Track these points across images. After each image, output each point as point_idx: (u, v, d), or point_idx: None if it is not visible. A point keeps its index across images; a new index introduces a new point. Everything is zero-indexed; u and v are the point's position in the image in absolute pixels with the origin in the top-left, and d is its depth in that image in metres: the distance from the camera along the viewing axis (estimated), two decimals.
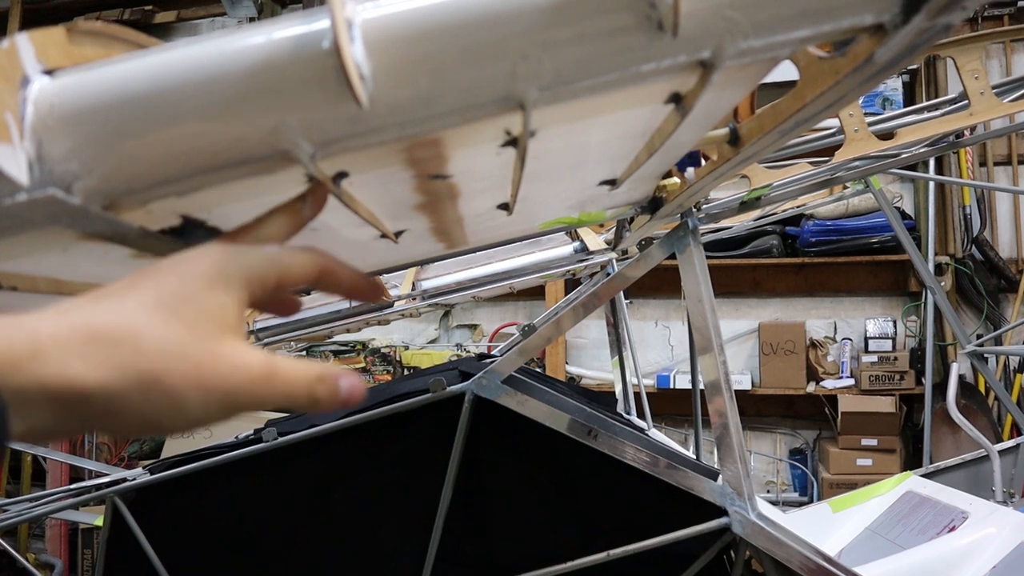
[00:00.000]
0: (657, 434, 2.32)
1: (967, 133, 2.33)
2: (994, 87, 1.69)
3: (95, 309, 0.38)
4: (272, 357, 0.42)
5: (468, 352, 4.68)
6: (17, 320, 0.36)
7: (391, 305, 1.88)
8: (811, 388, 4.19)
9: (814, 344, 4.32)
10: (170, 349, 0.38)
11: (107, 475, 1.77)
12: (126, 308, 0.39)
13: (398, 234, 0.82)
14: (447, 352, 4.74)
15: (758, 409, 4.38)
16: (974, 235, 4.13)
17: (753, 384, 4.29)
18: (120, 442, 5.02)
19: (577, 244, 2.02)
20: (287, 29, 0.39)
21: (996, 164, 4.21)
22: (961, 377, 3.74)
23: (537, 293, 4.38)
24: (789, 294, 4.44)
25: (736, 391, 1.28)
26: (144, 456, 4.83)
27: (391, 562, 1.42)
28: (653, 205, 1.14)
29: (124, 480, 1.50)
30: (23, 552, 4.32)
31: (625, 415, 2.27)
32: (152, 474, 1.49)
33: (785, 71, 0.52)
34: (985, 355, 3.33)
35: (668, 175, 1.06)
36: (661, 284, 4.14)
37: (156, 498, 1.47)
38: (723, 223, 3.11)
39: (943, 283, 4.03)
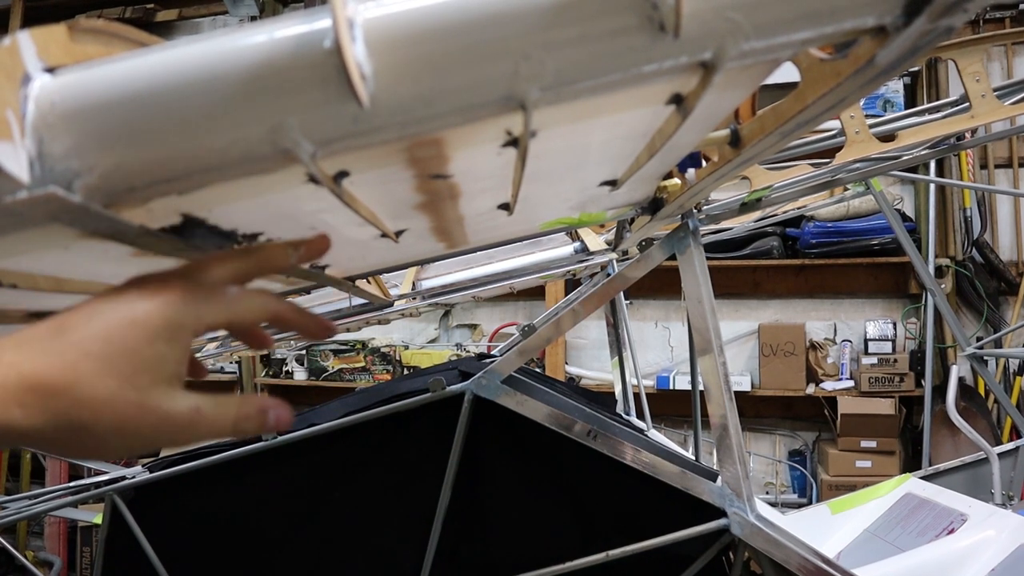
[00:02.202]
0: (657, 435, 2.32)
1: (968, 135, 2.33)
2: (995, 89, 1.69)
3: (40, 357, 0.43)
4: (200, 407, 0.46)
5: (468, 352, 4.68)
6: None
7: (391, 305, 1.88)
8: (811, 390, 4.19)
9: (814, 346, 4.32)
10: (100, 401, 0.43)
11: (106, 473, 1.77)
12: (69, 356, 0.43)
13: (398, 233, 0.82)
14: (447, 352, 4.74)
15: (757, 410, 4.38)
16: (974, 237, 4.13)
17: (752, 385, 4.29)
18: None
19: (577, 244, 2.02)
20: (288, 28, 0.39)
21: (997, 167, 4.21)
22: (961, 379, 3.74)
23: (537, 293, 4.38)
24: (789, 296, 4.44)
25: (735, 392, 1.28)
26: (144, 455, 4.83)
27: (390, 561, 1.42)
28: (654, 206, 1.14)
29: (123, 478, 1.50)
30: (22, 550, 4.32)
31: (625, 416, 2.27)
32: (151, 472, 1.49)
33: (786, 73, 0.52)
34: (985, 358, 3.33)
35: (669, 176, 1.06)
36: (661, 285, 4.14)
37: (155, 496, 1.47)
38: (724, 224, 3.10)
39: (943, 285, 4.03)
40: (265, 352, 4.75)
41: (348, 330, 3.00)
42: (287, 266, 0.52)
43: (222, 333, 1.78)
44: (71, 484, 1.94)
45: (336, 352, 4.76)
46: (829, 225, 4.09)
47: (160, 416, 0.45)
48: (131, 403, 0.44)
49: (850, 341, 4.28)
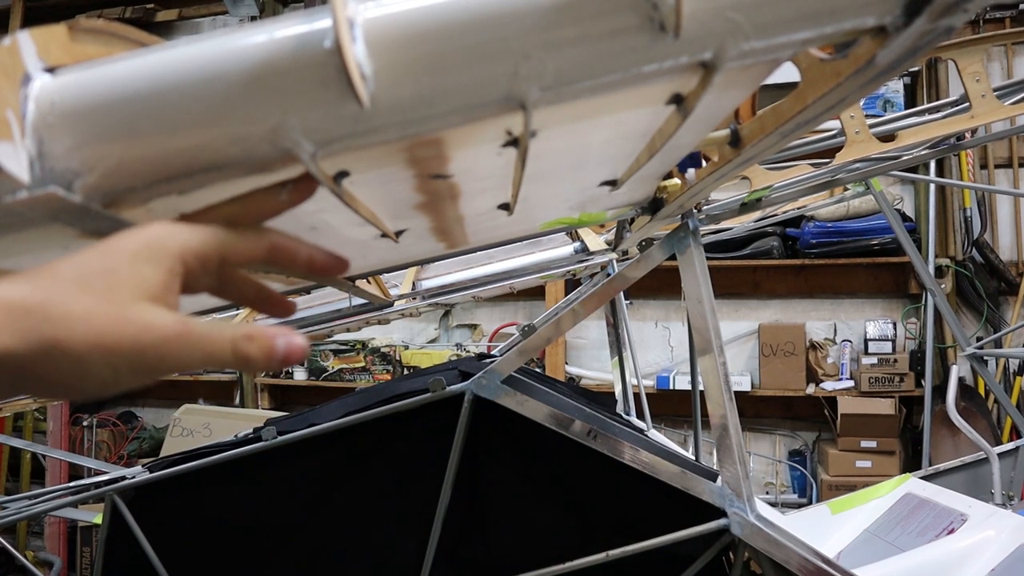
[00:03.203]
0: (656, 435, 2.32)
1: (968, 135, 2.32)
2: (995, 89, 1.69)
3: (13, 285, 0.41)
4: (189, 319, 0.43)
5: (468, 352, 4.68)
6: None
7: (391, 305, 1.88)
8: (811, 390, 4.19)
9: (814, 346, 4.32)
10: (74, 315, 0.40)
11: (106, 473, 1.77)
12: (42, 282, 0.41)
13: (398, 233, 0.82)
14: (447, 352, 4.74)
15: (757, 410, 4.38)
16: (974, 237, 4.13)
17: (753, 385, 4.29)
18: (119, 440, 5.02)
19: (577, 244, 2.02)
20: (288, 28, 0.39)
21: (997, 167, 4.21)
22: (961, 379, 3.74)
23: (537, 293, 4.38)
24: (789, 296, 4.44)
25: (736, 392, 1.28)
26: (143, 454, 4.83)
27: (390, 561, 1.42)
28: (654, 206, 1.14)
29: (123, 478, 1.50)
30: (22, 550, 4.32)
31: (625, 416, 2.27)
32: (151, 472, 1.48)
33: (786, 73, 0.52)
34: (985, 358, 3.33)
35: (669, 176, 1.06)
36: (661, 285, 4.14)
37: (155, 496, 1.47)
38: (724, 224, 3.10)
39: (943, 285, 4.03)
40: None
41: (348, 330, 3.00)
42: (279, 207, 0.49)
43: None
44: (71, 484, 1.94)
45: (336, 352, 4.76)
46: (829, 225, 4.09)
47: (141, 326, 0.41)
48: (108, 315, 0.41)
49: (850, 341, 4.29)
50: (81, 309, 0.40)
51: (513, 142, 0.52)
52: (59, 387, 0.42)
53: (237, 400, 4.98)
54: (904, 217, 4.04)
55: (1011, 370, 4.03)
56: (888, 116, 2.05)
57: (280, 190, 0.48)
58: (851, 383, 4.16)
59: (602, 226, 2.10)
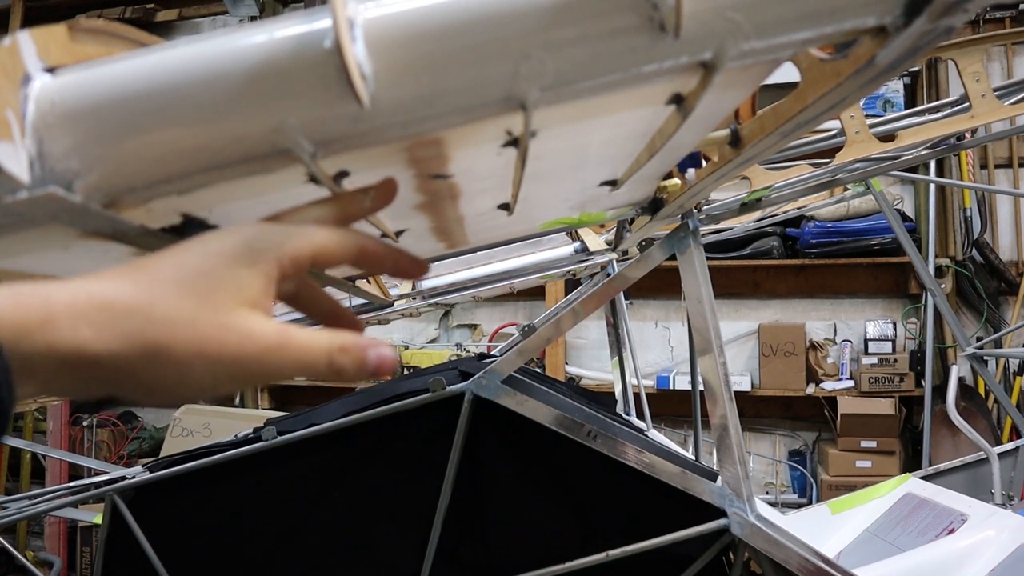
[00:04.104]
0: (656, 435, 2.32)
1: (968, 135, 2.32)
2: (995, 89, 1.69)
3: (113, 282, 0.40)
4: (288, 328, 0.42)
5: (468, 352, 4.68)
6: (36, 287, 0.38)
7: (391, 305, 1.88)
8: (811, 390, 4.19)
9: (814, 346, 4.32)
10: (179, 320, 0.39)
11: (106, 473, 1.77)
12: (142, 282, 0.40)
13: (399, 233, 0.82)
14: (447, 352, 4.74)
15: (757, 410, 4.38)
16: (974, 237, 4.13)
17: (753, 385, 4.29)
18: (119, 440, 5.02)
19: (577, 244, 2.02)
20: (288, 28, 0.39)
21: (997, 167, 4.21)
22: (961, 379, 3.74)
23: (537, 293, 4.38)
24: (789, 296, 4.44)
25: (736, 392, 1.28)
26: (143, 454, 4.83)
27: (390, 561, 1.42)
28: (654, 206, 1.14)
29: (123, 478, 1.50)
30: (22, 550, 4.32)
31: (625, 416, 2.27)
32: (151, 472, 1.48)
33: (786, 73, 0.52)
34: (985, 358, 3.33)
35: (669, 176, 1.06)
36: (661, 285, 4.14)
37: (155, 496, 1.47)
38: (724, 224, 3.10)
39: (943, 285, 4.03)
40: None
41: None
42: (363, 212, 0.49)
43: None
44: (71, 484, 1.94)
45: None
46: (829, 225, 4.09)
47: (244, 334, 0.41)
48: (211, 321, 0.40)
49: (850, 341, 4.28)
50: (186, 314, 0.40)
51: (513, 142, 0.52)
52: (156, 392, 0.41)
53: (237, 400, 4.98)
54: (904, 217, 4.03)
55: (1011, 370, 4.03)
56: (888, 116, 2.05)
57: (364, 195, 0.49)
58: (851, 383, 4.16)
59: (602, 226, 2.10)
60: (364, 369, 0.44)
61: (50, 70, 0.40)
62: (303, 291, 0.49)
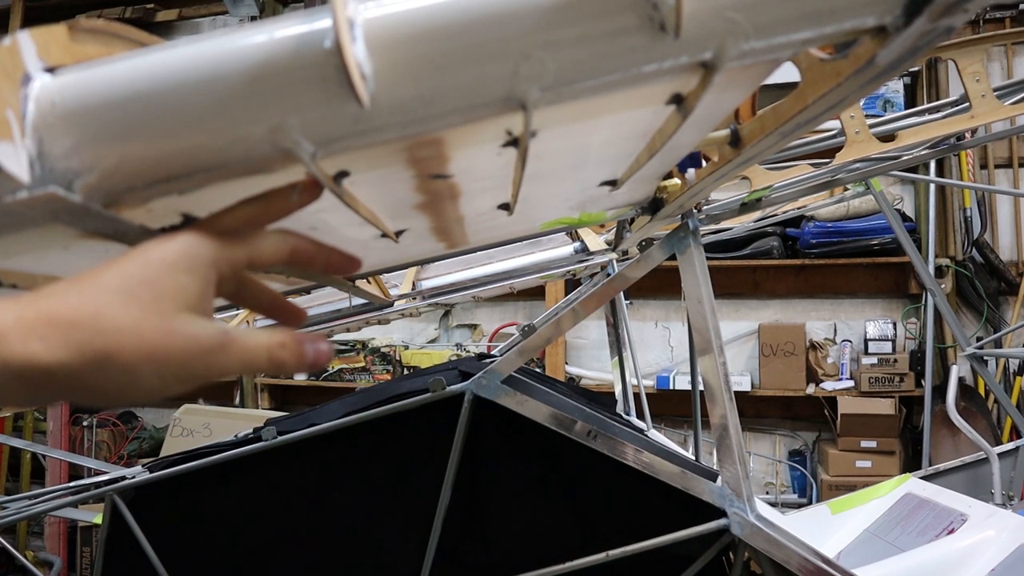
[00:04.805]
0: (657, 435, 2.32)
1: (968, 135, 2.32)
2: (995, 89, 1.69)
3: (60, 296, 0.42)
4: (229, 329, 0.45)
5: (468, 352, 4.68)
6: None
7: (391, 305, 1.88)
8: (811, 390, 4.19)
9: (814, 346, 4.32)
10: (124, 328, 0.42)
11: (106, 473, 1.77)
12: (87, 293, 0.42)
13: (399, 233, 0.82)
14: (447, 352, 4.74)
15: (757, 410, 4.38)
16: (974, 237, 4.13)
17: (753, 385, 4.29)
18: (119, 440, 5.02)
19: (577, 244, 2.02)
20: (288, 28, 0.39)
21: (997, 167, 4.21)
22: (961, 379, 3.74)
23: (537, 293, 4.38)
24: (789, 296, 4.44)
25: (736, 392, 1.28)
26: (143, 454, 4.83)
27: (390, 561, 1.42)
28: (654, 206, 1.14)
29: (123, 478, 1.50)
30: (22, 550, 4.32)
31: (625, 416, 2.27)
32: (151, 472, 1.48)
33: (787, 73, 0.52)
34: (985, 358, 3.33)
35: (669, 176, 1.06)
36: (661, 285, 4.14)
37: (155, 496, 1.47)
38: (724, 224, 3.10)
39: (943, 285, 4.03)
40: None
41: (348, 330, 3.00)
42: (290, 208, 0.51)
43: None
44: (71, 484, 1.94)
45: (336, 352, 4.76)
46: (829, 225, 4.09)
47: (187, 338, 0.43)
48: (156, 327, 0.42)
49: (850, 341, 4.28)
50: (131, 322, 0.42)
51: (513, 142, 0.52)
52: (107, 396, 0.43)
53: (237, 400, 4.98)
54: (904, 217, 4.04)
55: (1011, 370, 4.03)
56: (888, 116, 2.05)
57: (291, 191, 0.50)
58: (851, 383, 4.16)
59: (602, 226, 2.10)
60: (302, 362, 0.47)
61: (50, 70, 0.40)
62: (244, 288, 0.52)
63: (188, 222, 0.51)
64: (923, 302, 4.14)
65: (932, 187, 4.07)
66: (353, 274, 0.59)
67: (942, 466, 2.70)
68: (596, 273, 2.42)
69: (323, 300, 2.00)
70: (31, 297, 0.42)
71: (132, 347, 0.42)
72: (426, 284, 2.11)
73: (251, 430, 1.71)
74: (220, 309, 1.19)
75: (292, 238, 0.50)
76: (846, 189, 2.98)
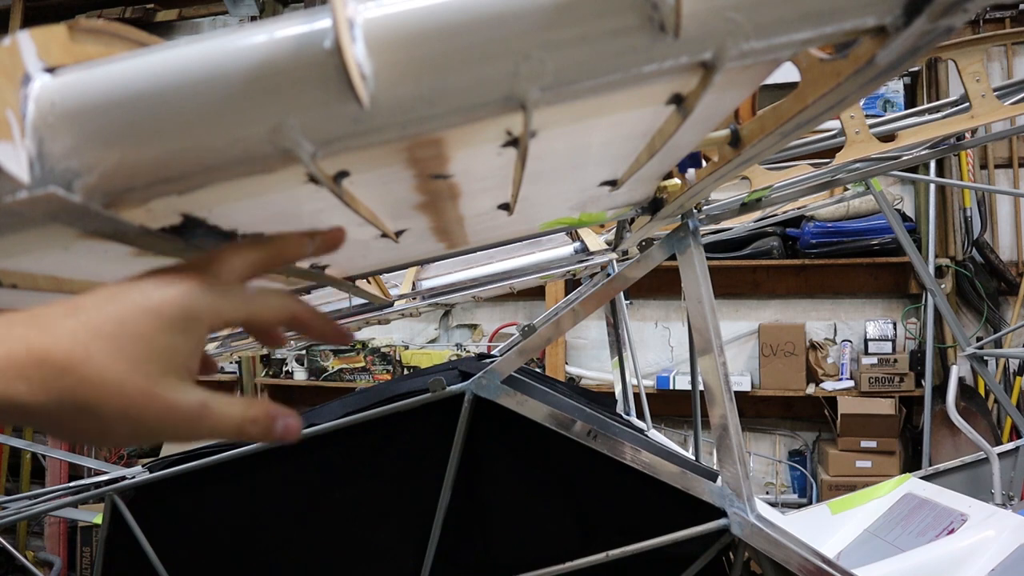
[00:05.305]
0: (656, 435, 2.32)
1: (968, 135, 2.33)
2: (995, 89, 1.69)
3: (52, 334, 0.42)
4: (207, 400, 0.46)
5: (468, 352, 4.68)
6: None
7: (391, 305, 1.88)
8: (811, 390, 4.19)
9: (814, 346, 4.32)
10: (108, 383, 0.42)
11: (106, 473, 1.77)
12: (81, 336, 0.42)
13: (399, 233, 0.82)
14: (447, 352, 4.74)
15: (757, 410, 4.38)
16: (974, 238, 4.13)
17: (753, 385, 4.29)
18: None
19: (577, 244, 2.02)
20: (288, 28, 0.39)
21: (997, 167, 4.21)
22: (961, 379, 3.74)
23: (537, 293, 4.38)
24: (789, 296, 4.44)
25: (736, 392, 1.28)
26: (143, 454, 4.83)
27: (390, 561, 1.42)
28: (654, 206, 1.14)
29: (123, 478, 1.50)
30: (22, 550, 4.32)
31: (625, 416, 2.27)
32: (151, 472, 1.49)
33: (787, 73, 0.52)
34: (985, 358, 3.33)
35: (669, 176, 1.06)
36: (661, 285, 4.14)
37: (155, 496, 1.47)
38: (724, 224, 3.10)
39: (943, 285, 4.03)
40: (267, 352, 4.76)
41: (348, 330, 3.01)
42: (303, 256, 0.52)
43: (223, 332, 1.78)
44: (71, 484, 1.94)
45: (336, 352, 4.76)
46: (829, 225, 4.09)
47: (167, 406, 0.44)
48: (139, 389, 0.43)
49: (850, 341, 4.28)
50: (115, 377, 0.42)
51: (513, 142, 0.52)
52: (82, 438, 0.44)
53: None
54: (904, 217, 4.03)
55: (1011, 370, 4.03)
56: (888, 116, 2.05)
57: (308, 240, 0.51)
58: (851, 383, 4.16)
59: (602, 226, 2.10)
60: (271, 437, 0.48)
61: (50, 70, 0.40)
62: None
63: (188, 222, 0.51)
64: (923, 302, 4.13)
65: (932, 187, 4.06)
66: (345, 345, 0.59)
67: (942, 466, 2.71)
68: (596, 273, 2.42)
69: (323, 300, 2.00)
70: (24, 324, 0.42)
71: (112, 403, 0.42)
72: (426, 284, 2.11)
73: None
74: None
75: (294, 305, 0.51)
76: (846, 189, 2.98)
